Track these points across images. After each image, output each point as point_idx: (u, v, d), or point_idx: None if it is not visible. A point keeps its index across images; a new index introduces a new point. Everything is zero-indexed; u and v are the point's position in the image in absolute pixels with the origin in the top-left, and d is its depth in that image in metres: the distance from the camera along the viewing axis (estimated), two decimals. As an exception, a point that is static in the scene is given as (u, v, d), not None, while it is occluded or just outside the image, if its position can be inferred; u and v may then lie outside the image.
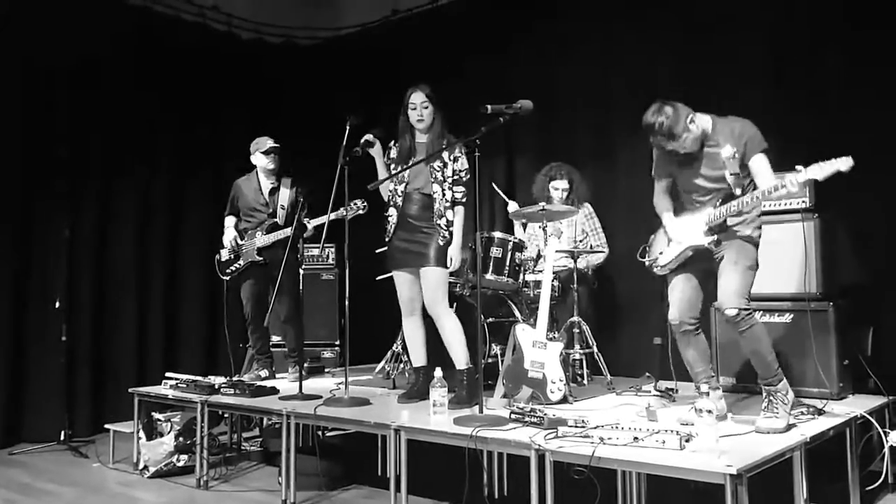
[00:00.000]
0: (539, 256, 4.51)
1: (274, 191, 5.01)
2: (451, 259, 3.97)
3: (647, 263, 3.67)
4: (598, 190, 5.26)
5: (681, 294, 3.47)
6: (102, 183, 5.91)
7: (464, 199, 4.01)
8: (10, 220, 5.40)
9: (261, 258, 4.91)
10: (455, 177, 4.00)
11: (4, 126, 5.36)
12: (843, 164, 2.90)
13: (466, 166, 4.02)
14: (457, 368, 3.93)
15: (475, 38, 6.17)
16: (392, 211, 4.10)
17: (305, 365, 5.12)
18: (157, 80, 6.18)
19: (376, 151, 4.08)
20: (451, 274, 4.07)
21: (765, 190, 3.10)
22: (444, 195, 3.98)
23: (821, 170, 2.94)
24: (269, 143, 4.97)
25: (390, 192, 4.12)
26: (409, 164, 4.02)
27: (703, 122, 3.30)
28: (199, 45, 6.52)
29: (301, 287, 4.44)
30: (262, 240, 4.91)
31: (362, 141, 4.02)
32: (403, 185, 4.06)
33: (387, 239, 4.15)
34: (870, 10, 4.34)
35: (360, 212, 4.57)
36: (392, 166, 4.10)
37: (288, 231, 4.74)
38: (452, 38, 6.26)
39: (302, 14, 7.24)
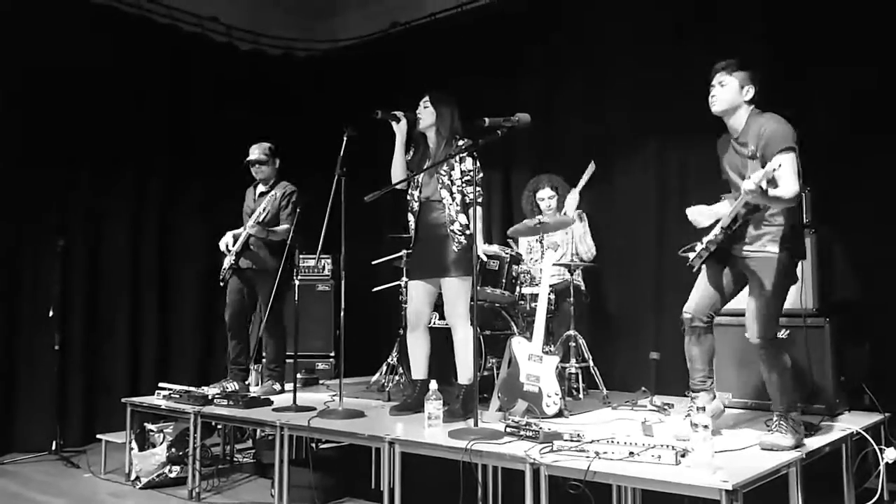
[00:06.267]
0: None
1: (263, 195, 4.95)
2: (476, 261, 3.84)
3: (686, 256, 3.49)
4: (593, 206, 5.21)
5: (701, 291, 3.40)
6: (96, 191, 5.89)
7: (478, 199, 3.83)
8: (2, 228, 5.37)
9: (235, 264, 4.84)
10: (464, 177, 3.90)
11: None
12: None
13: (473, 166, 3.90)
14: (458, 382, 3.91)
15: (473, 53, 6.18)
16: (410, 218, 4.06)
17: (299, 376, 5.09)
18: (155, 89, 6.19)
19: (400, 129, 4.01)
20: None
21: (751, 192, 2.87)
22: (453, 200, 3.91)
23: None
24: (250, 155, 4.94)
25: (409, 196, 4.07)
26: (416, 171, 3.98)
27: (744, 108, 3.21)
28: (198, 55, 6.54)
29: (297, 297, 4.40)
30: (235, 245, 4.86)
31: (391, 112, 3.99)
32: (418, 190, 4.02)
33: (410, 246, 4.12)
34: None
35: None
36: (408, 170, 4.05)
37: (244, 231, 4.77)
38: (450, 52, 6.27)
39: (301, 26, 7.29)
